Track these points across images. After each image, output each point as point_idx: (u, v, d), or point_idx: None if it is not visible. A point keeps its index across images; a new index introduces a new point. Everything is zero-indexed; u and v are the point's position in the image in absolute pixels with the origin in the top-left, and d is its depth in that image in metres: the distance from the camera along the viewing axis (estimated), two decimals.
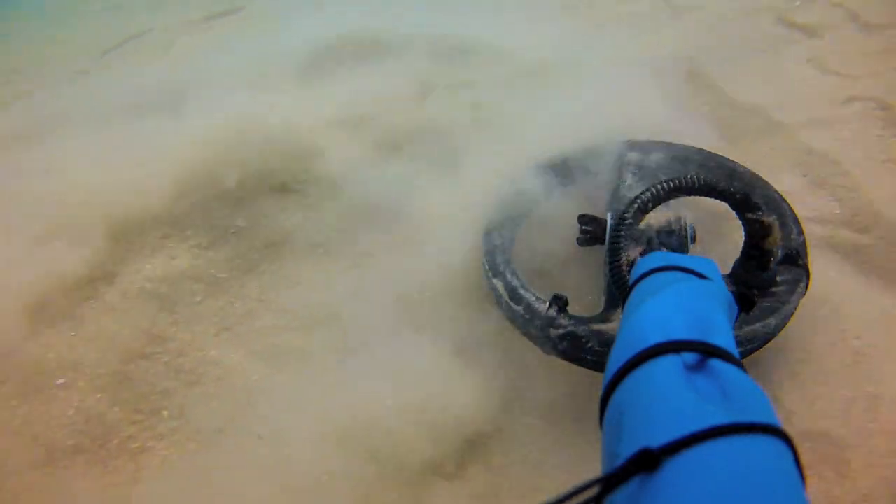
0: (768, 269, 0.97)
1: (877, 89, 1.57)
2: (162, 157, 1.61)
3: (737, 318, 0.73)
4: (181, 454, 1.08)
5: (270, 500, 0.98)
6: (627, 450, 0.46)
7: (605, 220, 1.10)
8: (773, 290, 0.99)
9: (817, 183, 1.36)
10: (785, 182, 1.35)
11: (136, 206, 1.54)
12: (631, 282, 0.76)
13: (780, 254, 1.05)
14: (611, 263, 0.88)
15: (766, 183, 1.17)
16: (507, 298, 1.03)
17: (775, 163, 1.42)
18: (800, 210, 1.19)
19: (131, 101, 1.86)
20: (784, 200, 1.14)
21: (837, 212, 1.30)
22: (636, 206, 0.90)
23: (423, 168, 1.47)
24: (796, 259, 1.02)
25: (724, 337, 0.57)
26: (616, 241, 0.89)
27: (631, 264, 0.86)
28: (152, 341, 1.28)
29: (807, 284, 1.01)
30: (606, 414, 0.57)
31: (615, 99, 1.48)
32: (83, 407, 1.19)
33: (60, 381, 1.24)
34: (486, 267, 1.09)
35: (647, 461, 0.43)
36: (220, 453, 1.07)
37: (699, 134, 1.41)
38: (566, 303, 0.98)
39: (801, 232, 1.08)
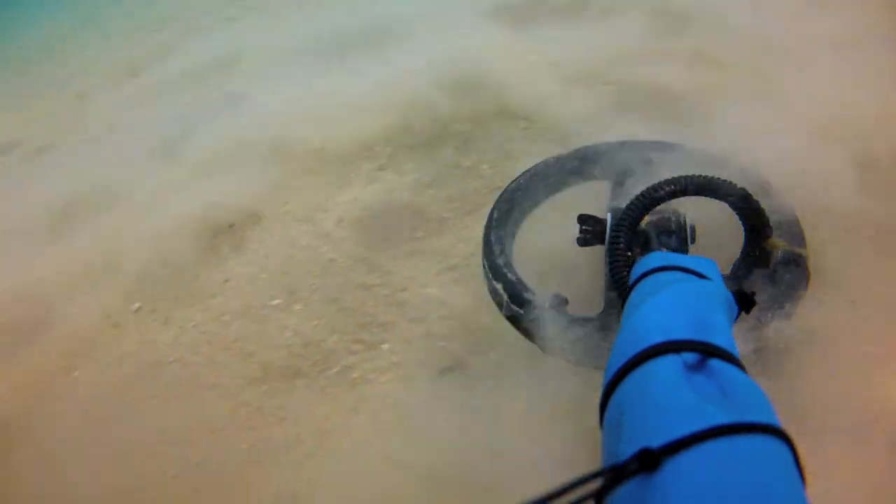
0: (768, 269, 0.97)
1: None
2: (381, 91, 1.61)
3: (737, 317, 0.74)
4: (405, 390, 1.06)
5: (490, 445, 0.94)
6: (627, 450, 0.46)
7: (605, 220, 1.10)
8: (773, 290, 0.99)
9: None
10: None
11: (352, 138, 1.55)
12: (631, 282, 0.76)
13: (780, 254, 1.05)
14: (611, 263, 0.88)
15: (766, 183, 1.17)
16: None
17: None
18: None
19: (344, 34, 1.88)
20: (786, 204, 1.14)
21: None
22: (637, 205, 0.90)
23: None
24: (796, 259, 1.02)
25: (724, 337, 0.57)
26: (616, 241, 0.89)
27: (631, 264, 0.86)
28: (371, 272, 1.25)
29: (807, 284, 1.01)
30: (607, 414, 0.57)
31: None
32: (300, 331, 1.20)
33: (275, 301, 1.24)
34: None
35: (648, 461, 0.43)
36: (443, 393, 1.03)
37: None
38: (565, 302, 0.98)
39: (801, 232, 1.08)
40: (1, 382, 1.26)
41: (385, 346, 1.15)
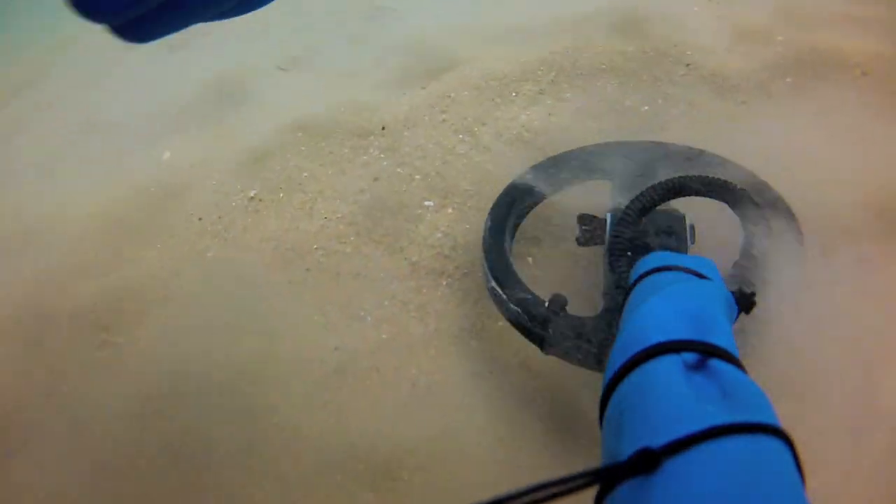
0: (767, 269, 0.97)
1: None
2: (550, 19, 1.60)
3: (737, 317, 0.74)
4: None
5: None
6: (627, 450, 0.46)
7: (605, 220, 1.10)
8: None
9: None
10: None
11: (516, 59, 1.54)
12: (631, 282, 0.76)
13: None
14: (611, 263, 0.89)
15: (766, 184, 1.17)
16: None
17: None
18: None
19: None
20: (782, 200, 1.14)
21: None
22: (636, 206, 0.90)
23: None
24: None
25: (724, 337, 0.58)
26: (616, 241, 0.89)
27: (631, 264, 0.86)
28: None
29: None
30: (606, 414, 0.57)
31: None
32: (450, 233, 1.21)
33: (428, 202, 1.26)
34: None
35: (647, 461, 0.43)
36: None
37: None
38: (565, 303, 0.98)
39: (799, 232, 1.08)
40: (137, 262, 1.28)
41: (529, 259, 1.17)
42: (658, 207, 0.95)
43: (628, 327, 0.61)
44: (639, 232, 0.98)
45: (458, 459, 0.94)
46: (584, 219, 1.13)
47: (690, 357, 0.54)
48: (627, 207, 0.91)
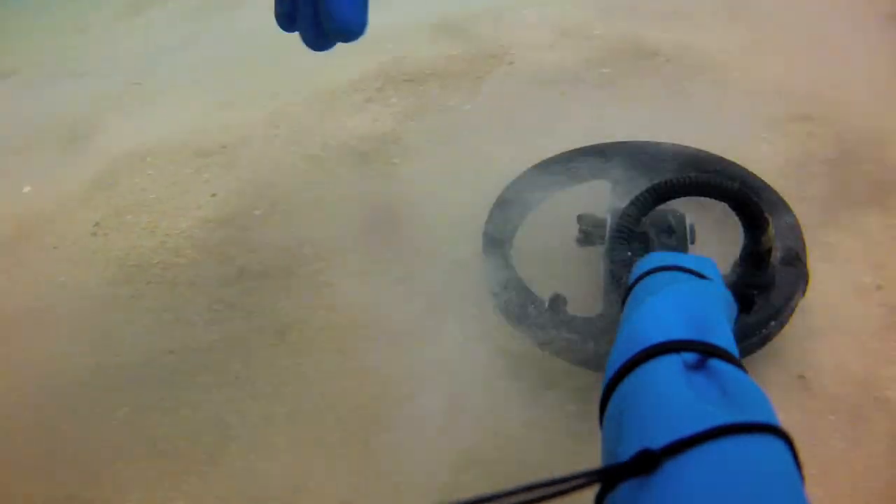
0: (767, 269, 0.97)
1: None
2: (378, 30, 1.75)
3: (737, 317, 0.74)
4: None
5: None
6: (627, 450, 0.46)
7: (605, 220, 1.10)
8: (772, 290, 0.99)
9: None
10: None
11: (340, 72, 1.64)
12: (630, 282, 0.76)
13: (779, 254, 1.05)
14: (611, 263, 0.88)
15: (766, 184, 1.17)
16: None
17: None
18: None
19: None
20: (782, 201, 1.14)
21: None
22: (636, 206, 0.90)
23: None
24: (795, 260, 1.02)
25: (723, 337, 0.57)
26: (616, 241, 0.89)
27: (630, 264, 0.86)
28: (352, 189, 1.39)
29: (806, 285, 1.01)
30: (606, 414, 0.57)
31: None
32: (274, 240, 1.33)
33: (257, 212, 1.38)
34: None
35: (647, 462, 0.43)
36: None
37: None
38: (565, 302, 0.98)
39: (800, 233, 1.08)
40: None
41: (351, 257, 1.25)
42: (658, 207, 0.95)
43: (628, 327, 0.61)
44: (639, 232, 0.98)
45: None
46: (583, 219, 1.13)
47: (690, 357, 0.54)
48: (628, 207, 0.91)
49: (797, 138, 1.28)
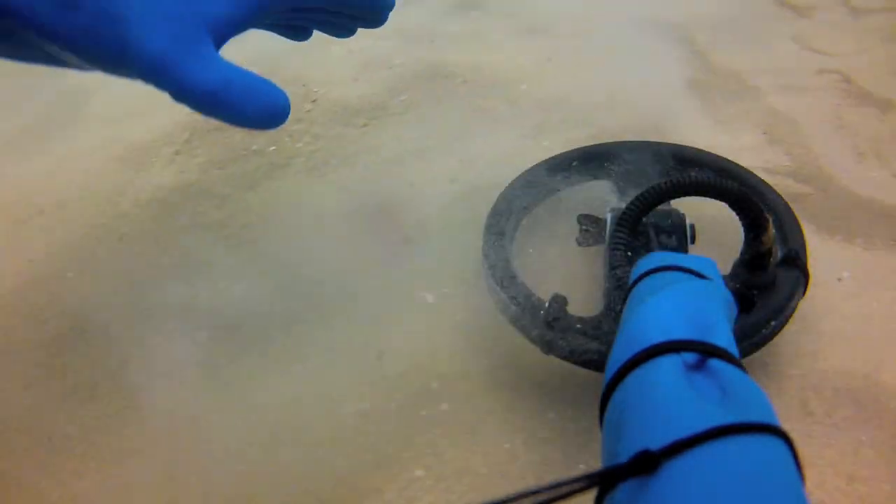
0: (767, 269, 0.97)
1: (845, 66, 1.76)
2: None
3: (737, 318, 0.74)
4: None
5: None
6: (627, 450, 0.46)
7: (605, 220, 1.10)
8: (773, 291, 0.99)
9: (774, 140, 1.54)
10: (745, 139, 1.53)
11: (153, 127, 1.62)
12: (630, 282, 0.76)
13: (779, 254, 1.05)
14: (611, 263, 0.88)
15: (767, 185, 1.17)
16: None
17: (741, 121, 1.60)
18: (755, 161, 1.32)
19: None
20: (784, 202, 1.14)
21: (787, 164, 1.45)
22: (636, 205, 0.90)
23: None
24: (795, 260, 1.02)
25: (724, 337, 0.57)
26: (616, 241, 0.89)
27: (630, 264, 0.86)
28: (157, 244, 1.37)
29: (806, 285, 1.01)
30: (606, 414, 0.57)
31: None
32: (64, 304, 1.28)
33: (69, 275, 1.32)
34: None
35: (647, 462, 0.43)
36: None
37: (677, 91, 1.64)
38: (565, 303, 0.98)
39: (800, 233, 1.08)
40: None
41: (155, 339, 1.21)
42: (658, 207, 0.95)
43: (628, 327, 0.61)
44: (639, 232, 0.98)
45: None
46: (584, 219, 1.13)
47: (690, 357, 0.54)
48: (628, 207, 0.91)
49: (577, 143, 1.34)
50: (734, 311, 0.71)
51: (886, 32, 1.89)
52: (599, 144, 1.27)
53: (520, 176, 1.22)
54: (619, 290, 0.87)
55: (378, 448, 0.97)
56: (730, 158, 1.24)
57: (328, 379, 1.07)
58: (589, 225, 1.13)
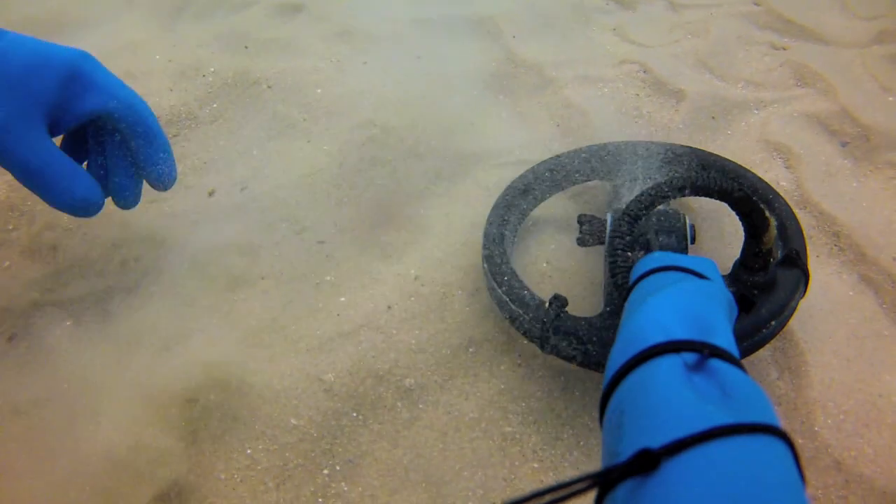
0: (768, 270, 0.97)
1: (649, 57, 1.80)
2: None
3: (737, 318, 0.74)
4: None
5: None
6: (627, 450, 0.46)
7: (605, 220, 1.10)
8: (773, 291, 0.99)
9: (565, 131, 1.57)
10: (540, 129, 1.56)
11: None
12: (631, 282, 0.76)
13: (779, 254, 1.05)
14: (611, 263, 0.88)
15: (768, 185, 1.17)
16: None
17: (538, 113, 1.62)
18: (539, 156, 1.33)
19: None
20: (786, 204, 1.14)
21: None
22: (636, 206, 0.90)
23: None
24: (795, 260, 1.02)
25: (724, 337, 0.58)
26: (616, 241, 0.89)
27: (630, 264, 0.86)
28: None
29: (806, 285, 1.01)
30: (606, 414, 0.57)
31: None
32: None
33: None
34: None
35: (647, 461, 0.43)
36: None
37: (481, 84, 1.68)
38: (565, 303, 0.98)
39: (801, 233, 1.08)
40: None
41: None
42: (658, 207, 0.94)
43: (628, 327, 0.61)
44: (639, 232, 0.98)
45: None
46: (584, 219, 1.13)
47: (690, 357, 0.54)
48: (628, 207, 0.91)
49: (357, 145, 1.45)
50: (734, 311, 0.71)
51: (696, 26, 1.94)
52: None
53: None
54: (619, 291, 0.87)
55: None
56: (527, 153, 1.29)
57: None
58: (589, 225, 1.13)
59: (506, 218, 1.16)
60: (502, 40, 1.88)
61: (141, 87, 1.59)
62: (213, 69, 1.74)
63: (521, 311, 0.99)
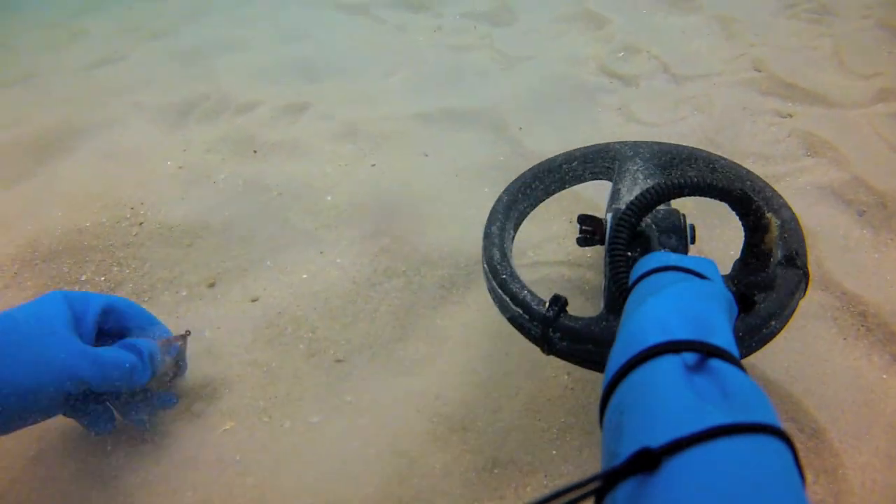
0: (768, 270, 0.97)
1: (656, 137, 1.68)
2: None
3: (736, 318, 0.73)
4: None
5: None
6: (627, 450, 0.46)
7: (605, 221, 1.10)
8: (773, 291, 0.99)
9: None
10: (554, 228, 1.47)
11: None
12: (630, 282, 0.76)
13: (780, 255, 1.05)
14: (611, 264, 0.88)
15: (768, 185, 1.17)
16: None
17: (550, 209, 1.53)
18: (553, 255, 1.31)
19: None
20: (786, 204, 1.14)
21: (588, 255, 1.40)
22: (636, 206, 0.90)
23: None
24: (795, 260, 1.02)
25: (724, 337, 0.58)
26: (616, 242, 0.89)
27: (630, 265, 0.86)
28: None
29: (806, 285, 1.01)
30: (606, 414, 0.57)
31: None
32: None
33: None
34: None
35: (647, 461, 0.43)
36: None
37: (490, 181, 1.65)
38: (565, 303, 0.98)
39: (801, 233, 1.08)
40: None
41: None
42: (658, 207, 0.94)
43: (628, 327, 0.61)
44: (639, 232, 0.98)
45: None
46: (584, 219, 1.13)
47: (690, 357, 0.54)
48: (628, 207, 0.91)
49: (369, 256, 1.44)
50: (734, 311, 0.71)
51: (700, 100, 1.91)
52: None
53: None
54: (619, 291, 0.87)
55: None
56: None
57: None
58: (589, 225, 1.12)
59: (506, 218, 1.16)
60: (508, 132, 1.85)
61: (153, 195, 1.66)
62: (223, 176, 1.73)
63: (521, 312, 0.99)
